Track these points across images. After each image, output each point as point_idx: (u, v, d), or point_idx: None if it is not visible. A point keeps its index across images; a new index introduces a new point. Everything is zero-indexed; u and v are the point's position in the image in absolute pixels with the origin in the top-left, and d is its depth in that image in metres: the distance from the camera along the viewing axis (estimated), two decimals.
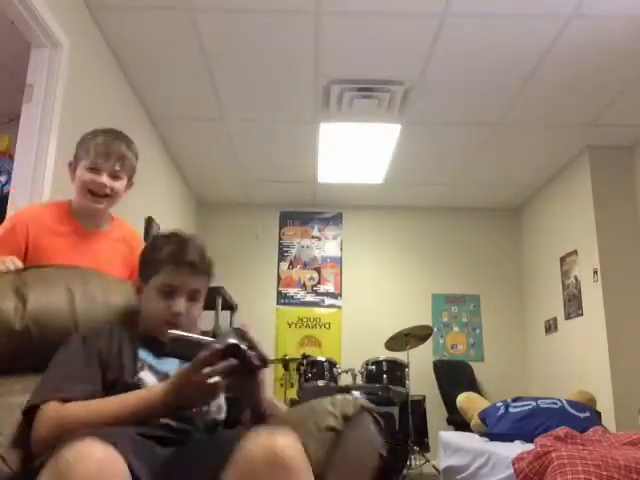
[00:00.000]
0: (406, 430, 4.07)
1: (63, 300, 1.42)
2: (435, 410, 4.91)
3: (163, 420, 1.17)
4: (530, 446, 2.53)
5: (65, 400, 1.14)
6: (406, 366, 4.30)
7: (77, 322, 1.41)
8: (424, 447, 4.45)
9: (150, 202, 4.27)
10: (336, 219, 5.99)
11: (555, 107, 3.96)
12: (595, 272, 4.36)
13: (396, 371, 4.23)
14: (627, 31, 3.13)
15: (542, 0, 2.93)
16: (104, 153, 1.79)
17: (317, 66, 3.54)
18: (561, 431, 2.66)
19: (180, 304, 1.32)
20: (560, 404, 3.20)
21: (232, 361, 1.10)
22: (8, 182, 3.22)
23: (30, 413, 1.15)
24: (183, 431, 1.19)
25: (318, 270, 5.86)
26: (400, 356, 4.36)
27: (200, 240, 1.40)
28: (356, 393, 4.10)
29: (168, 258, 1.33)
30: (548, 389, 4.72)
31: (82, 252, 1.79)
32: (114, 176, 1.82)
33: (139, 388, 1.20)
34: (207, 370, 1.09)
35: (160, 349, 1.24)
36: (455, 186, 5.43)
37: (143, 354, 1.30)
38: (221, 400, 1.31)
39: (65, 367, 1.22)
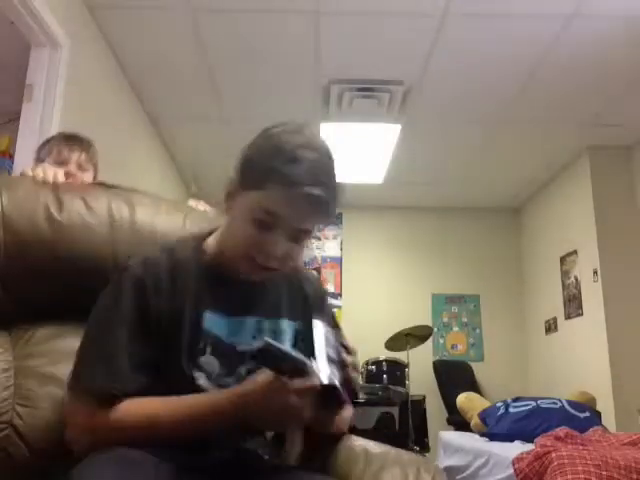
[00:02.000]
0: (406, 430, 4.07)
1: (104, 220, 1.15)
2: (435, 410, 4.91)
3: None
4: (530, 446, 2.53)
5: (115, 397, 0.89)
6: (406, 366, 4.30)
7: (116, 251, 1.14)
8: (424, 447, 4.45)
9: None
10: (336, 219, 5.99)
11: (555, 107, 3.96)
12: (595, 272, 4.36)
13: (396, 371, 4.23)
14: (627, 31, 3.13)
15: (542, 0, 2.93)
16: (67, 146, 1.80)
17: (317, 66, 3.54)
18: (561, 431, 2.66)
19: (279, 243, 0.94)
20: (560, 404, 3.20)
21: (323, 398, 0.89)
22: None
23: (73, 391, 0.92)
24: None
25: (318, 270, 5.86)
26: (400, 356, 4.36)
27: (335, 174, 1.00)
28: None
29: (287, 177, 0.90)
30: (548, 389, 4.72)
31: None
32: (81, 167, 1.82)
33: (193, 386, 0.94)
34: (299, 403, 0.85)
35: (236, 300, 0.99)
36: (455, 186, 5.42)
37: (211, 319, 0.97)
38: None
39: (111, 341, 0.91)
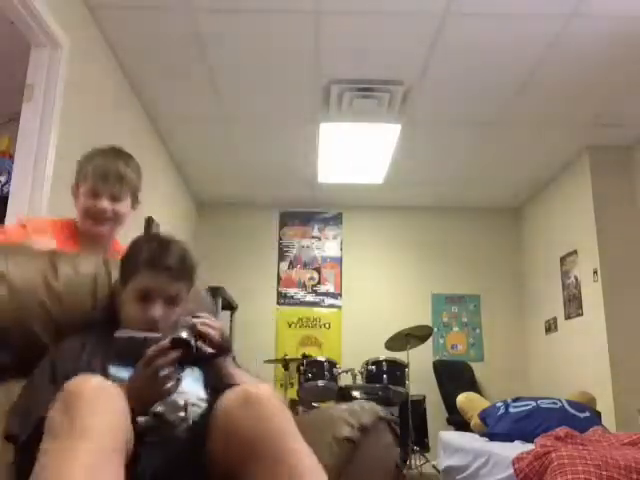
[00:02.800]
0: (406, 430, 4.07)
1: (89, 284, 1.43)
2: (435, 410, 4.91)
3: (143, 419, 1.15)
4: (530, 446, 2.53)
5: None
6: (406, 366, 4.30)
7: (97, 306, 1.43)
8: (424, 447, 4.46)
9: (150, 202, 4.27)
10: (336, 219, 5.99)
11: (555, 107, 3.96)
12: (595, 272, 4.36)
13: (396, 371, 4.23)
14: (627, 30, 3.13)
15: (542, 0, 2.93)
16: (102, 175, 1.73)
17: (317, 66, 3.54)
18: (561, 431, 2.66)
19: (157, 309, 1.29)
20: (560, 404, 3.20)
21: (181, 352, 1.13)
22: (8, 182, 3.21)
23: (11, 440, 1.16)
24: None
25: (318, 270, 5.86)
26: (400, 356, 4.36)
27: (182, 243, 1.36)
28: (356, 393, 4.10)
29: (145, 261, 1.29)
30: (548, 389, 4.72)
31: None
32: (115, 198, 1.75)
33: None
34: (157, 363, 1.10)
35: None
36: (455, 186, 5.43)
37: (114, 369, 1.25)
38: (200, 393, 1.29)
39: (36, 392, 1.20)
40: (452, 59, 3.43)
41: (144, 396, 1.11)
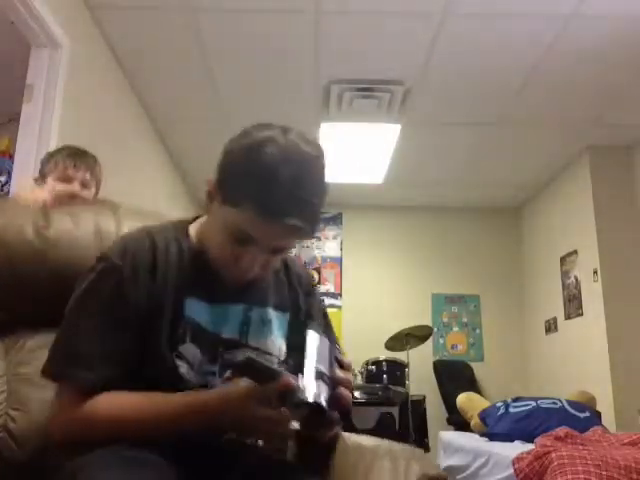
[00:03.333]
0: (406, 430, 4.07)
1: (90, 229, 1.20)
2: (435, 410, 4.91)
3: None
4: (530, 446, 2.53)
5: (91, 388, 0.89)
6: (406, 366, 4.30)
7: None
8: (424, 447, 4.45)
9: (150, 202, 4.27)
10: (336, 219, 5.99)
11: (555, 107, 3.96)
12: (595, 272, 4.36)
13: (396, 371, 4.23)
14: (627, 31, 3.13)
15: (542, 0, 2.93)
16: (73, 164, 1.85)
17: (317, 66, 3.54)
18: (561, 431, 2.66)
19: (256, 258, 0.92)
20: (560, 404, 3.20)
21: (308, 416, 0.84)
22: (8, 182, 3.21)
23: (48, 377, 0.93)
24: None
25: (318, 270, 5.86)
26: (400, 356, 4.36)
27: (323, 183, 0.92)
28: (356, 393, 4.10)
29: (262, 205, 0.85)
30: (548, 389, 4.72)
31: None
32: (84, 185, 1.88)
33: (175, 375, 0.91)
34: (276, 428, 0.85)
35: (219, 288, 0.95)
36: (455, 186, 5.42)
37: (192, 306, 0.95)
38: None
39: (91, 330, 0.90)
40: (452, 59, 3.43)
41: (229, 420, 0.86)
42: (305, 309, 1.09)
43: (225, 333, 0.97)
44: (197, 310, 0.95)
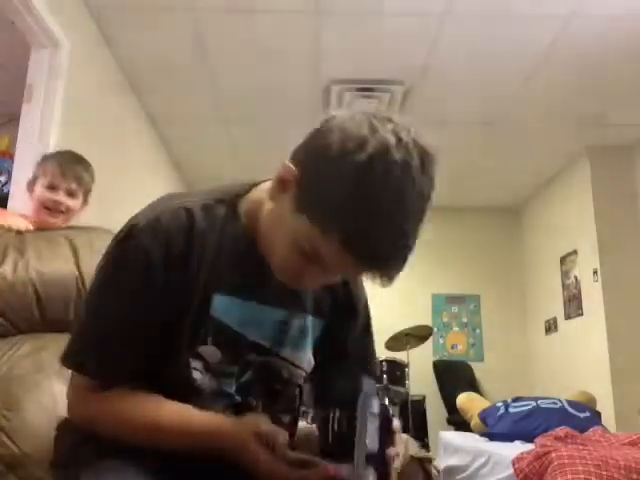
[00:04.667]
0: (406, 430, 4.07)
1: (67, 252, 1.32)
2: (435, 410, 4.91)
3: None
4: (530, 446, 2.53)
5: (110, 383, 0.83)
6: (406, 366, 4.30)
7: (82, 275, 1.28)
8: (424, 447, 4.46)
9: (149, 202, 4.27)
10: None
11: (555, 107, 3.96)
12: (595, 272, 4.36)
13: (396, 371, 4.23)
14: (627, 31, 3.13)
15: (542, 0, 2.93)
16: (61, 173, 1.89)
17: (317, 66, 3.53)
18: (561, 431, 2.66)
19: (319, 278, 0.82)
20: (560, 404, 3.21)
21: None
22: (8, 182, 3.22)
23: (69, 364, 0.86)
24: None
25: None
26: (400, 356, 4.36)
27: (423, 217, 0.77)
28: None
29: (363, 242, 0.70)
30: (548, 389, 4.72)
31: None
32: (70, 194, 1.91)
33: (186, 375, 0.84)
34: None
35: (257, 284, 0.84)
36: (455, 186, 5.42)
37: (221, 303, 0.84)
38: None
39: (117, 320, 0.81)
40: (452, 59, 3.43)
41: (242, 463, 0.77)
42: (343, 322, 1.00)
43: (255, 336, 0.88)
44: (226, 308, 0.84)
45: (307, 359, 0.95)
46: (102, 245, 0.93)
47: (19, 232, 1.50)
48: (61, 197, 1.89)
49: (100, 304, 0.83)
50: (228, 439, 0.79)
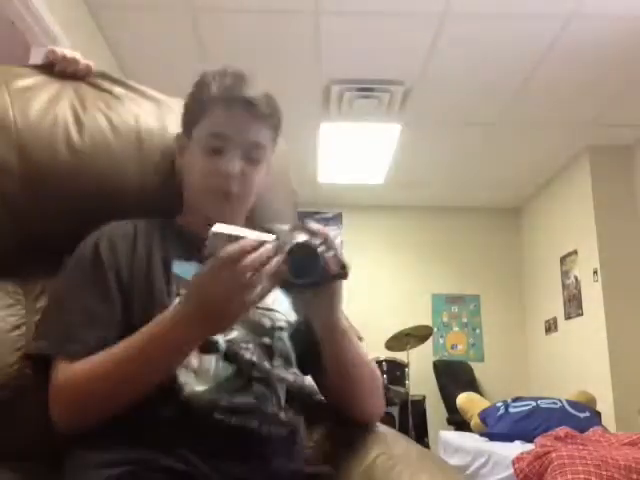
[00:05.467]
0: (406, 430, 4.07)
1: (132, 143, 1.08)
2: (435, 410, 4.91)
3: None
4: (530, 446, 2.53)
5: (75, 357, 0.83)
6: (406, 366, 4.31)
7: (144, 183, 1.06)
8: (424, 447, 4.46)
9: None
10: (336, 219, 5.99)
11: (555, 107, 3.96)
12: (595, 272, 4.36)
13: (396, 371, 4.24)
14: (627, 31, 3.13)
15: (542, 0, 2.93)
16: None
17: (317, 66, 3.54)
18: (561, 431, 2.66)
19: (234, 162, 0.93)
20: (560, 404, 3.21)
21: (290, 259, 0.76)
22: None
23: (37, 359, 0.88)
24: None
25: None
26: (400, 356, 4.36)
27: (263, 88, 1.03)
28: None
29: (218, 93, 0.95)
30: (548, 389, 4.72)
31: None
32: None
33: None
34: (247, 262, 0.72)
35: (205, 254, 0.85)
36: (455, 186, 5.42)
37: (179, 267, 0.91)
38: (291, 355, 0.95)
39: (73, 301, 0.87)
40: (452, 59, 3.43)
41: (208, 306, 0.75)
42: None
43: None
44: (186, 269, 0.90)
45: (284, 305, 0.98)
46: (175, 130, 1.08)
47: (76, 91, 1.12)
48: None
49: (62, 292, 0.90)
50: (172, 314, 0.78)
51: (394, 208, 5.88)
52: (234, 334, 0.89)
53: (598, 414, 3.36)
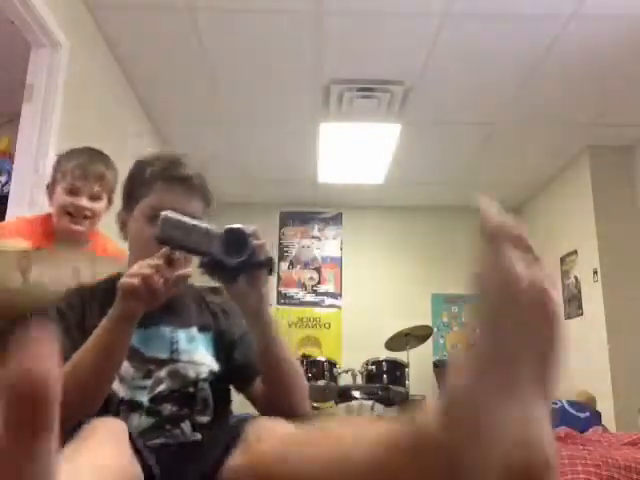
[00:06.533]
0: None
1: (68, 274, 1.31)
2: None
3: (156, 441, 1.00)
4: None
5: None
6: (406, 366, 4.31)
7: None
8: None
9: None
10: (336, 219, 5.99)
11: (555, 107, 3.96)
12: (595, 272, 4.36)
13: (396, 371, 4.24)
14: (627, 31, 3.13)
15: (542, 0, 2.93)
16: (82, 175, 1.73)
17: (317, 66, 3.53)
18: (561, 431, 2.66)
19: None
20: (560, 404, 3.20)
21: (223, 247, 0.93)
22: (8, 182, 3.22)
23: None
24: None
25: (318, 270, 5.86)
26: (400, 356, 4.36)
27: (194, 160, 1.24)
28: (356, 393, 4.11)
29: (158, 173, 1.13)
30: None
31: None
32: (94, 197, 1.76)
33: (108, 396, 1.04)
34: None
35: (149, 313, 1.01)
36: (455, 186, 5.42)
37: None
38: (214, 365, 1.14)
39: None
40: (452, 59, 3.43)
41: (139, 288, 0.94)
42: (225, 328, 1.20)
43: (156, 352, 1.10)
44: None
45: (208, 358, 1.14)
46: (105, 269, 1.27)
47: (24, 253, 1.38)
48: (84, 202, 1.74)
49: None
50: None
51: (394, 208, 5.88)
52: (162, 387, 1.07)
53: (598, 414, 3.36)
